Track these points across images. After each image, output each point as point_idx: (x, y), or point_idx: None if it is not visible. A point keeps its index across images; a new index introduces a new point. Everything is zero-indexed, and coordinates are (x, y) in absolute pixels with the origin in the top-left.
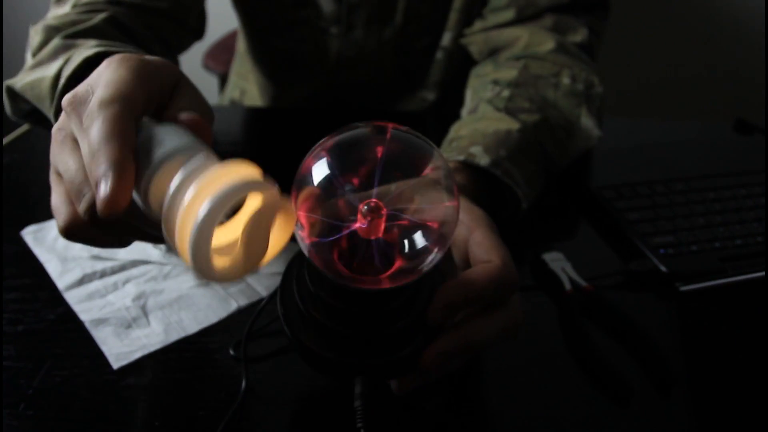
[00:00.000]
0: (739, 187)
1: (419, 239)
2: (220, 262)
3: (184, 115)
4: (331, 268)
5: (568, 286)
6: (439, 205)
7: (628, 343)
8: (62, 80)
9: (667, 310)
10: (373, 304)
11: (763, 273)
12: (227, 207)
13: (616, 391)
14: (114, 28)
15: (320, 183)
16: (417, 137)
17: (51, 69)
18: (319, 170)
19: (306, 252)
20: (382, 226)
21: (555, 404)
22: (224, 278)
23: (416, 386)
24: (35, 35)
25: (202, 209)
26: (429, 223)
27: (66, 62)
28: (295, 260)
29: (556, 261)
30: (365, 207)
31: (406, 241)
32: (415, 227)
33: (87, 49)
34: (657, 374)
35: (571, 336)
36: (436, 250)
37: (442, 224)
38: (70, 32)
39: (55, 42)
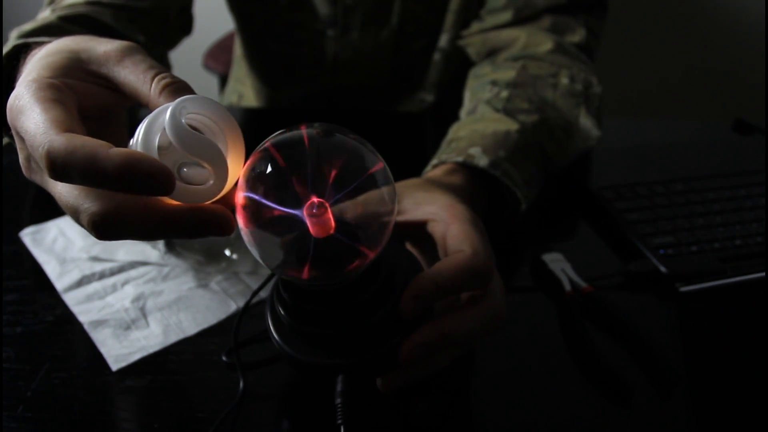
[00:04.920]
0: (738, 187)
1: (364, 226)
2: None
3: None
4: (295, 274)
5: (567, 286)
6: (374, 189)
7: (628, 344)
8: None
9: (667, 311)
10: (341, 300)
11: (763, 273)
12: (159, 120)
13: (616, 392)
14: (73, 24)
15: (261, 198)
16: (344, 134)
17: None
18: (256, 188)
19: (266, 266)
20: (332, 221)
21: (555, 405)
22: (200, 196)
23: (401, 384)
24: (12, 41)
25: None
26: (368, 208)
27: None
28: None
29: (555, 262)
30: (310, 207)
31: (351, 230)
32: (357, 216)
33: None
34: (657, 375)
35: (571, 337)
36: (380, 234)
37: (381, 207)
38: (24, 31)
39: (11, 42)
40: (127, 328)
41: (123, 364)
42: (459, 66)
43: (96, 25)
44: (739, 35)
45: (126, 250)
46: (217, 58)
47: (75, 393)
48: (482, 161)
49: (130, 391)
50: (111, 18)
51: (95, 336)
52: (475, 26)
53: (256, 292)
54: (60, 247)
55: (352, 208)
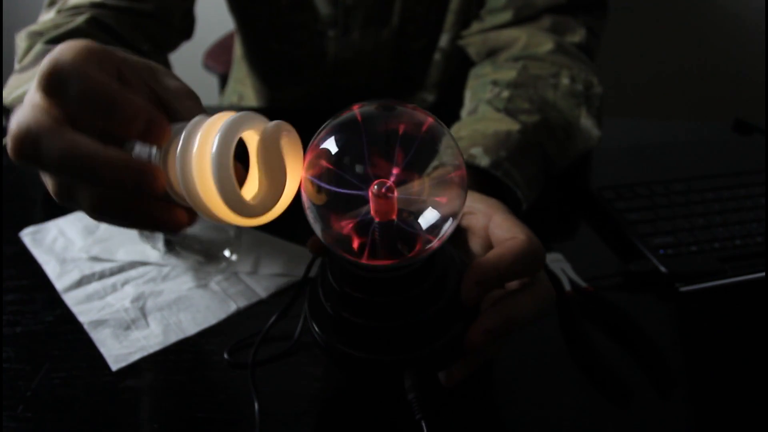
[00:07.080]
0: (738, 187)
1: (431, 212)
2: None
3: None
4: (353, 258)
5: (567, 287)
6: (445, 176)
7: (628, 344)
8: None
9: (667, 311)
10: (400, 290)
11: (763, 273)
12: (236, 137)
13: (616, 393)
14: (98, 29)
15: (328, 173)
16: (425, 114)
17: (35, 80)
18: (323, 162)
19: (328, 245)
20: (395, 206)
21: (555, 405)
22: (256, 212)
23: (464, 375)
24: (21, 42)
25: (213, 144)
26: (439, 197)
27: None
28: (314, 268)
29: (555, 262)
30: (376, 188)
31: (419, 217)
32: (426, 201)
33: None
34: (657, 375)
35: (571, 337)
36: (448, 222)
37: (451, 196)
38: (52, 36)
39: (37, 48)
40: (127, 328)
41: (123, 364)
42: (459, 66)
43: (106, 29)
44: (739, 35)
45: (126, 250)
46: (217, 58)
47: (75, 393)
48: (484, 161)
49: (130, 391)
50: (115, 22)
51: (95, 336)
52: (476, 26)
53: (305, 279)
54: (60, 247)
55: (423, 195)
